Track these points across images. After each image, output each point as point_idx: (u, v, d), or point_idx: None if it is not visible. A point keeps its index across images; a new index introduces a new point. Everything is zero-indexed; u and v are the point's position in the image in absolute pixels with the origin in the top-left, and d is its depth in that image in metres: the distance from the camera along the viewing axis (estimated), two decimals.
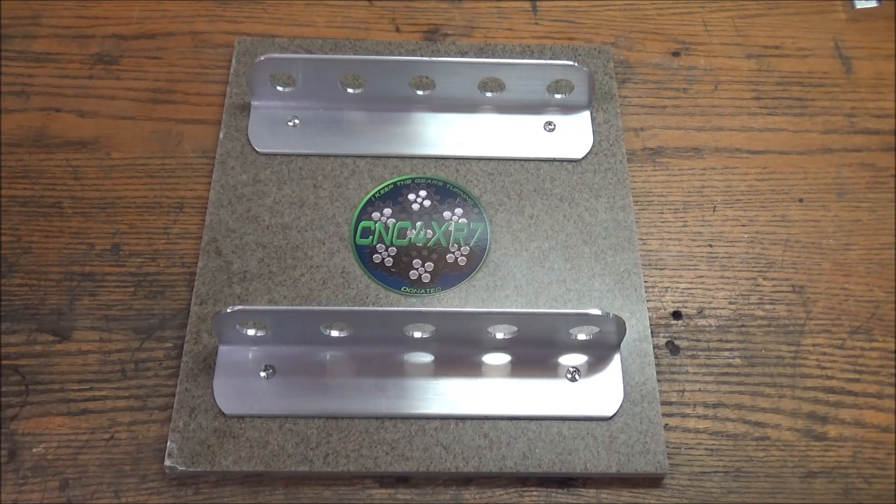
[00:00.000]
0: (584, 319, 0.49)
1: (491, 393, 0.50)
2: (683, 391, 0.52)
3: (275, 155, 0.58)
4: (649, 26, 0.67)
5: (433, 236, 0.56)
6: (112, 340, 0.52)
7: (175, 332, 0.52)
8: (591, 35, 0.66)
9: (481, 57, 0.63)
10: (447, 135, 0.60)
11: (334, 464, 0.48)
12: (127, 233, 0.56)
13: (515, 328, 0.50)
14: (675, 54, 0.65)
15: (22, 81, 0.62)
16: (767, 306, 0.55)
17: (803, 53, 0.66)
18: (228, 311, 0.47)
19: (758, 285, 0.56)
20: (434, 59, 0.59)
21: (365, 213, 0.57)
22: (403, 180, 0.58)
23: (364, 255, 0.55)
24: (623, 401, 0.50)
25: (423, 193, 0.58)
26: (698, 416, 0.51)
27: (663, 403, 0.51)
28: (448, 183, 0.58)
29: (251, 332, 0.50)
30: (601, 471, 0.48)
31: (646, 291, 0.55)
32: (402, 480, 0.49)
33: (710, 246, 0.57)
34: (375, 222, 0.56)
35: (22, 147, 0.59)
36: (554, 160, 0.59)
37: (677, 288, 0.55)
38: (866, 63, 0.65)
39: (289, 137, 0.59)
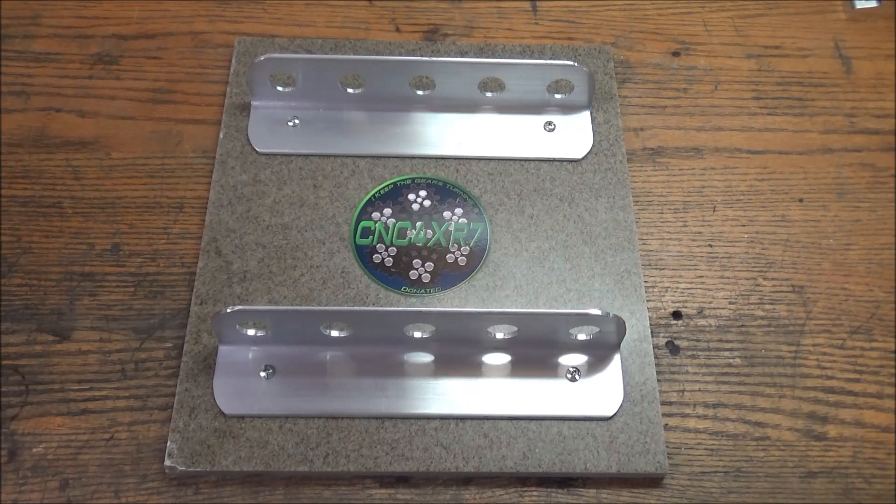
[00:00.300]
0: (584, 319, 0.49)
1: (491, 393, 0.50)
2: (683, 391, 0.52)
3: (275, 155, 0.58)
4: (649, 26, 0.67)
5: (433, 236, 0.56)
6: (112, 340, 0.52)
7: (175, 332, 0.52)
8: (591, 35, 0.66)
9: (481, 57, 0.63)
10: (447, 135, 0.60)
11: (334, 464, 0.48)
12: (127, 233, 0.56)
13: (515, 328, 0.50)
14: (675, 54, 0.65)
15: (22, 81, 0.62)
16: (767, 306, 0.55)
17: (803, 53, 0.66)
18: (228, 311, 0.47)
19: (758, 285, 0.56)
20: (434, 59, 0.59)
21: (365, 213, 0.57)
22: (403, 180, 0.58)
23: (364, 255, 0.55)
24: (623, 401, 0.50)
25: (423, 193, 0.58)
26: (698, 416, 0.51)
27: (663, 403, 0.51)
28: (448, 183, 0.58)
29: (251, 332, 0.50)
30: (601, 471, 0.48)
31: (646, 291, 0.55)
32: (402, 480, 0.49)
33: (710, 246, 0.57)
34: (375, 222, 0.56)
35: (22, 147, 0.59)
36: (554, 160, 0.59)
37: (677, 288, 0.55)
38: (866, 63, 0.65)
39: (289, 137, 0.59)
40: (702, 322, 0.54)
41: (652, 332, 0.53)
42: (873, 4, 0.68)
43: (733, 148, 0.61)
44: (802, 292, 0.55)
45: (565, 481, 0.49)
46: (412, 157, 0.59)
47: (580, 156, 0.59)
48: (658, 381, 0.51)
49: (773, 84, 0.64)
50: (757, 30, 0.67)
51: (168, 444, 0.48)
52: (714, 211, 0.58)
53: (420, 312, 0.49)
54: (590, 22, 0.67)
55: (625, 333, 0.50)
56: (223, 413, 0.49)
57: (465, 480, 0.49)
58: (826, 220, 0.58)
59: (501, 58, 0.63)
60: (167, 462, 0.48)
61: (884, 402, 0.52)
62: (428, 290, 0.54)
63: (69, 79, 0.62)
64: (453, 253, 0.55)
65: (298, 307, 0.52)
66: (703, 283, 0.56)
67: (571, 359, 0.51)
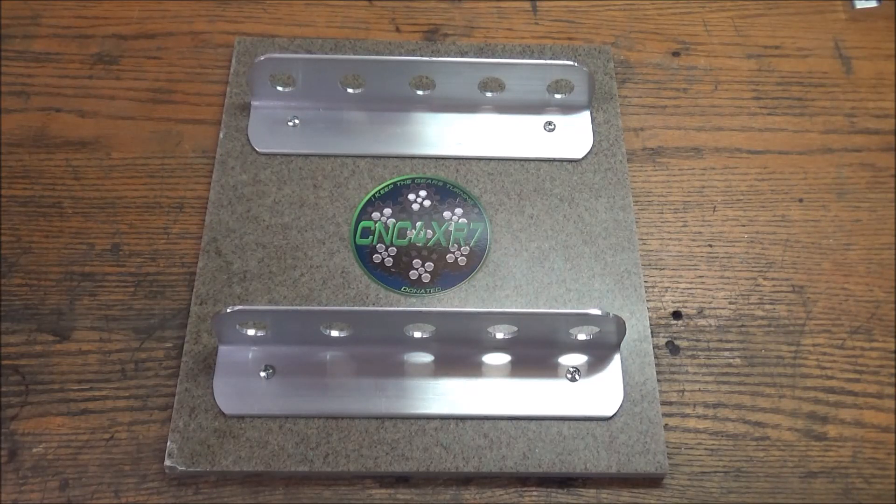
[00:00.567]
0: (584, 319, 0.49)
1: (491, 393, 0.50)
2: (683, 391, 0.52)
3: (275, 155, 0.58)
4: (649, 26, 0.67)
5: (433, 236, 0.56)
6: (112, 340, 0.52)
7: (175, 332, 0.52)
8: (591, 35, 0.66)
9: (481, 57, 0.63)
10: (447, 135, 0.60)
11: (334, 464, 0.48)
12: (127, 233, 0.56)
13: (515, 328, 0.50)
14: (675, 54, 0.65)
15: (22, 81, 0.62)
16: (767, 306, 0.55)
17: (803, 53, 0.66)
18: (228, 311, 0.47)
19: (758, 285, 0.56)
20: (434, 59, 0.59)
21: (365, 213, 0.57)
22: (403, 180, 0.58)
23: (364, 255, 0.55)
24: (623, 401, 0.50)
25: (423, 193, 0.58)
26: (698, 416, 0.51)
27: (663, 403, 0.51)
28: (448, 183, 0.58)
29: (251, 332, 0.50)
30: (601, 471, 0.48)
31: (646, 291, 0.55)
32: (402, 480, 0.49)
33: (710, 246, 0.57)
34: (375, 222, 0.56)
35: (22, 147, 0.59)
36: (554, 160, 0.59)
37: (677, 288, 0.55)
38: (866, 63, 0.65)
39: (289, 137, 0.59)
40: (702, 322, 0.54)
41: (652, 332, 0.53)
42: (873, 4, 0.68)
43: (733, 148, 0.61)
44: (802, 292, 0.55)
45: (565, 481, 0.49)
46: (412, 157, 0.59)
47: (580, 156, 0.59)
48: (658, 381, 0.51)
49: (773, 84, 0.64)
50: (757, 30, 0.67)
51: (168, 444, 0.48)
52: (714, 211, 0.58)
53: (420, 312, 0.49)
54: (590, 22, 0.67)
55: (625, 333, 0.50)
56: (223, 413, 0.49)
57: (465, 480, 0.49)
58: (826, 220, 0.58)
59: (501, 58, 0.63)
60: (167, 462, 0.48)
61: (884, 402, 0.52)
62: (428, 290, 0.54)
63: (69, 79, 0.62)
64: (453, 253, 0.55)
65: (298, 307, 0.52)
66: (703, 283, 0.56)
67: (571, 359, 0.51)
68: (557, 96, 0.60)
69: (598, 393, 0.50)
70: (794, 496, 0.49)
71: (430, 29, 0.66)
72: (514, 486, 0.49)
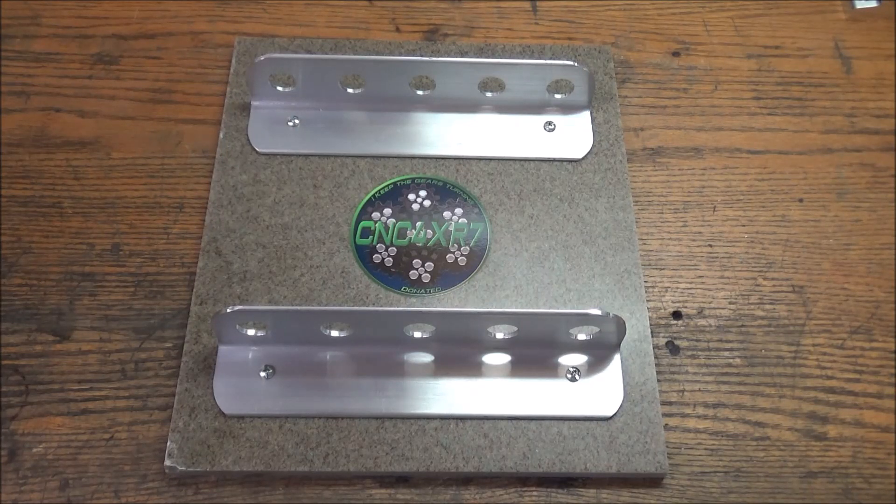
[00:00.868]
0: (584, 319, 0.49)
1: (491, 393, 0.50)
2: (683, 391, 0.52)
3: (275, 155, 0.58)
4: (649, 26, 0.67)
5: (433, 236, 0.56)
6: (112, 340, 0.52)
7: (175, 332, 0.52)
8: (591, 35, 0.66)
9: (481, 57, 0.63)
10: (447, 135, 0.60)
11: (334, 464, 0.48)
12: (127, 233, 0.56)
13: (515, 328, 0.50)
14: (675, 54, 0.65)
15: (22, 81, 0.62)
16: (767, 306, 0.55)
17: (803, 53, 0.66)
18: (228, 311, 0.47)
19: (758, 285, 0.56)
20: (434, 59, 0.59)
21: (365, 213, 0.57)
22: (403, 180, 0.58)
23: (364, 255, 0.55)
24: (623, 401, 0.50)
25: (423, 193, 0.58)
26: (698, 416, 0.51)
27: (663, 403, 0.51)
28: (448, 183, 0.58)
29: (251, 332, 0.50)
30: (601, 471, 0.48)
31: (646, 291, 0.55)
32: (402, 480, 0.49)
33: (710, 246, 0.57)
34: (375, 222, 0.56)
35: (22, 147, 0.59)
36: (554, 160, 0.59)
37: (677, 288, 0.55)
38: (866, 63, 0.65)
39: (289, 137, 0.59)
40: (702, 322, 0.54)
41: (652, 332, 0.53)
42: (873, 4, 0.68)
43: (733, 148, 0.61)
44: (802, 292, 0.55)
45: (565, 481, 0.49)
46: (412, 157, 0.59)
47: (580, 156, 0.59)
48: (658, 381, 0.51)
49: (773, 84, 0.64)
50: (757, 30, 0.67)
51: (168, 444, 0.48)
52: (714, 211, 0.58)
53: (420, 312, 0.49)
54: (590, 22, 0.67)
55: (625, 333, 0.50)
56: (223, 413, 0.49)
57: (465, 480, 0.49)
58: (826, 220, 0.58)
59: (501, 58, 0.63)
60: (167, 462, 0.48)
61: (884, 402, 0.52)
62: (428, 290, 0.54)
63: (69, 79, 0.62)
64: (453, 253, 0.55)
65: (298, 307, 0.52)
66: (703, 283, 0.56)
67: (571, 359, 0.51)
68: (557, 96, 0.60)
69: (598, 393, 0.50)
70: (794, 496, 0.49)
71: (430, 29, 0.66)
72: (514, 486, 0.49)
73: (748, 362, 0.53)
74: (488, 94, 0.60)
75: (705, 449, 0.50)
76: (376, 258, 0.55)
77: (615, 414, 0.50)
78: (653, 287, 0.55)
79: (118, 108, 0.61)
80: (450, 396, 0.50)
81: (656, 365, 0.52)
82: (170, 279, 0.54)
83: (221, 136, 0.59)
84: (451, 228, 0.56)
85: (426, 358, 0.51)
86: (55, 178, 0.58)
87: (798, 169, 0.60)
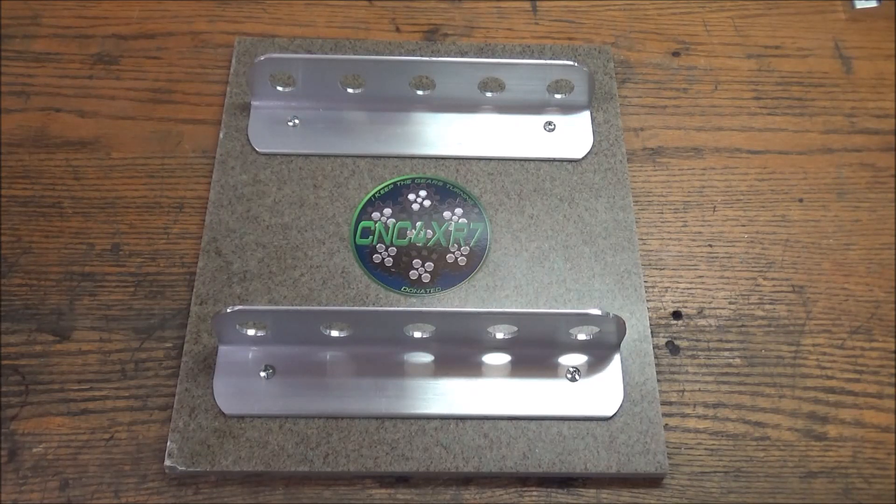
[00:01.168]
0: (584, 319, 0.49)
1: (491, 393, 0.50)
2: (683, 391, 0.52)
3: (275, 155, 0.58)
4: (649, 26, 0.67)
5: (433, 236, 0.56)
6: (112, 340, 0.52)
7: (175, 332, 0.52)
8: (591, 35, 0.66)
9: (481, 57, 0.63)
10: (447, 135, 0.60)
11: (334, 464, 0.48)
12: (127, 233, 0.56)
13: (515, 328, 0.50)
14: (675, 54, 0.65)
15: (22, 81, 0.62)
16: (767, 306, 0.55)
17: (803, 53, 0.66)
18: (228, 311, 0.47)
19: (758, 285, 0.56)
20: (434, 59, 0.59)
21: (365, 213, 0.57)
22: (403, 180, 0.58)
23: (364, 255, 0.55)
24: (623, 401, 0.50)
25: (423, 193, 0.58)
26: (698, 416, 0.51)
27: (663, 403, 0.51)
28: (448, 183, 0.58)
29: (251, 332, 0.50)
30: (601, 471, 0.48)
31: (646, 291, 0.55)
32: (402, 480, 0.49)
33: (710, 246, 0.57)
34: (375, 222, 0.56)
35: (22, 147, 0.59)
36: (554, 160, 0.59)
37: (677, 288, 0.55)
38: (866, 63, 0.65)
39: (289, 137, 0.59)
40: (702, 322, 0.54)
41: (652, 332, 0.53)
42: (873, 4, 0.68)
43: (733, 148, 0.61)
44: (802, 292, 0.55)
45: (565, 481, 0.49)
46: (412, 157, 0.59)
47: (580, 156, 0.59)
48: (658, 381, 0.51)
49: (773, 84, 0.64)
50: (757, 30, 0.67)
51: (168, 444, 0.48)
52: (714, 211, 0.58)
53: (420, 312, 0.49)
54: (590, 22, 0.67)
55: (625, 333, 0.50)
56: (223, 413, 0.49)
57: (465, 480, 0.49)
58: (826, 220, 0.58)
59: (501, 58, 0.63)
60: (167, 462, 0.48)
61: (884, 402, 0.52)
62: (428, 290, 0.54)
63: (69, 79, 0.62)
64: (453, 253, 0.55)
65: (298, 307, 0.52)
66: (703, 283, 0.56)
67: (571, 359, 0.51)
68: (557, 96, 0.60)
69: (598, 393, 0.50)
70: (794, 496, 0.49)
71: (430, 29, 0.66)
72: (514, 486, 0.49)
73: (748, 362, 0.53)
74: (488, 94, 0.60)
75: (705, 449, 0.50)
76: (376, 258, 0.55)
77: (615, 414, 0.50)
78: (653, 287, 0.55)
79: (118, 108, 0.61)
80: (450, 396, 0.50)
81: (656, 365, 0.52)
82: (170, 279, 0.54)
83: (221, 136, 0.59)
84: (451, 228, 0.56)
85: (426, 358, 0.51)
86: (55, 178, 0.58)
87: (798, 169, 0.60)
